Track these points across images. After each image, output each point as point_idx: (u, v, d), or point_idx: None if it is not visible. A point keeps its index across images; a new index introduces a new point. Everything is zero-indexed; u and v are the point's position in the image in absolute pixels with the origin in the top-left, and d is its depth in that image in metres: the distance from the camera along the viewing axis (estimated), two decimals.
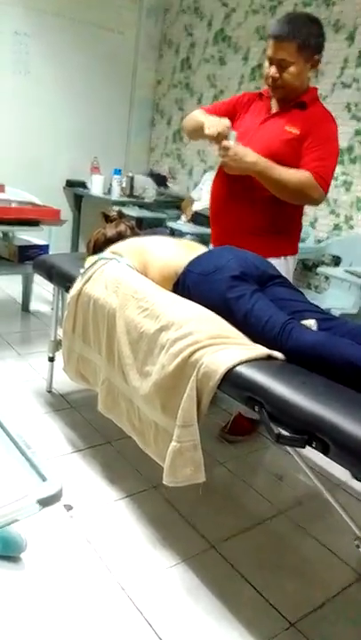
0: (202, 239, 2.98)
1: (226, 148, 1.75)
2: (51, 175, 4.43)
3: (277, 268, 1.78)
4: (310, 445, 1.12)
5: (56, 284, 2.16)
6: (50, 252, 3.08)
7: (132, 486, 1.77)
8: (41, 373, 2.50)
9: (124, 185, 4.25)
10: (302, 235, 3.37)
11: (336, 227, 3.36)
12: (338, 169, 3.28)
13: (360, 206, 3.20)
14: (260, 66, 3.70)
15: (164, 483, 1.37)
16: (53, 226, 3.17)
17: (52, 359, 2.31)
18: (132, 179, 4.27)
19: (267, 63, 1.83)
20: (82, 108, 4.48)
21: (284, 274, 1.83)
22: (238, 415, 2.16)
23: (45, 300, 3.59)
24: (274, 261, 1.83)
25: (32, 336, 3.04)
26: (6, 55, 4.00)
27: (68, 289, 1.93)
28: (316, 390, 1.21)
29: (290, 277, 1.99)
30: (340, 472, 1.98)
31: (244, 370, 1.27)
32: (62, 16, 4.15)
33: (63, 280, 2.04)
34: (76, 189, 4.50)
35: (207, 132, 1.80)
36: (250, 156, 1.76)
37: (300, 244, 3.24)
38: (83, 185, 4.48)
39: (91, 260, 1.88)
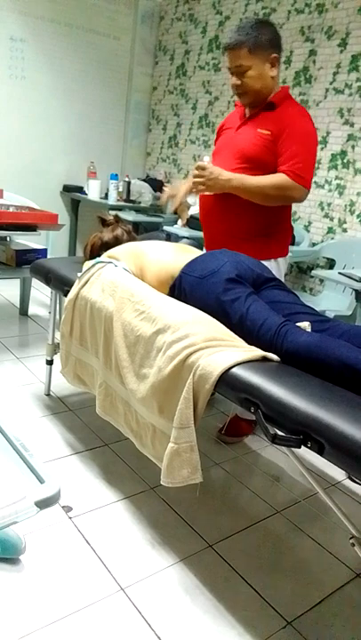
0: (198, 243, 3.01)
1: (203, 168, 1.82)
2: (48, 180, 4.46)
3: (271, 270, 1.82)
4: (306, 446, 1.14)
5: (53, 287, 2.17)
6: (48, 256, 3.10)
7: (130, 488, 1.78)
8: (39, 377, 2.52)
9: (120, 189, 4.27)
10: (297, 238, 3.43)
11: (330, 230, 3.39)
12: (331, 173, 3.32)
13: (353, 210, 3.24)
14: None
15: (161, 484, 1.39)
16: (51, 230, 3.19)
17: (49, 362, 2.33)
18: (128, 183, 4.30)
19: (230, 75, 1.90)
20: (78, 114, 4.51)
21: (277, 276, 1.87)
22: (235, 417, 2.18)
23: (43, 303, 3.61)
24: (268, 264, 1.87)
25: (30, 340, 3.05)
26: (2, 60, 4.03)
27: (65, 293, 1.95)
28: (311, 391, 1.23)
29: (281, 279, 2.03)
30: (336, 472, 2.00)
31: (240, 371, 1.29)
32: (58, 22, 4.19)
33: (60, 284, 2.06)
34: (73, 194, 4.52)
35: (172, 208, 2.15)
36: (224, 174, 1.82)
37: (295, 248, 3.31)
38: (80, 190, 4.50)
39: (88, 264, 1.90)
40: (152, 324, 1.50)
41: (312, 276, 3.48)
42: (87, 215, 4.60)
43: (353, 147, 3.20)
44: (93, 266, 1.85)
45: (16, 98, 4.16)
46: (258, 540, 1.63)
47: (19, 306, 3.40)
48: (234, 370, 1.30)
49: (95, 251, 2.03)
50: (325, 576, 1.52)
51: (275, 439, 1.16)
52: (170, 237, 3.37)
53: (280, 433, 1.18)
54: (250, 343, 1.45)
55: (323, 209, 3.42)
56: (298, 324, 1.48)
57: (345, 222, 3.29)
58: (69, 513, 1.63)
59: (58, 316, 2.30)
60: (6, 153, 4.19)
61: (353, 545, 1.24)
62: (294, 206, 3.57)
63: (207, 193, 1.89)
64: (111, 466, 1.89)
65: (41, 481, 0.89)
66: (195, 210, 3.74)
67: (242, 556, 1.55)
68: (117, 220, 2.15)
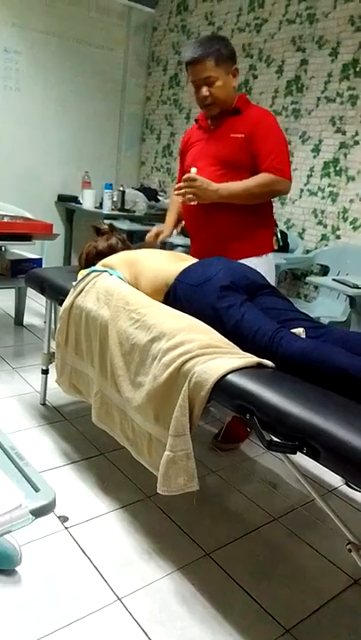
0: None
1: (193, 179, 1.86)
2: (42, 190, 4.47)
3: (261, 266, 1.88)
4: (301, 451, 1.14)
5: (48, 297, 2.17)
6: (43, 266, 3.10)
7: (126, 497, 1.77)
8: (34, 386, 2.51)
9: (115, 199, 4.29)
10: (291, 245, 3.45)
11: (324, 237, 3.41)
12: (324, 181, 3.35)
13: (346, 217, 3.26)
14: (246, 82, 3.78)
15: (158, 492, 1.38)
16: (46, 240, 3.20)
17: (45, 372, 2.32)
18: (122, 193, 4.31)
19: (194, 89, 1.96)
20: (72, 124, 4.53)
21: (268, 272, 1.94)
22: (230, 423, 2.18)
23: (38, 313, 3.61)
24: (257, 260, 1.93)
25: (25, 349, 3.05)
26: None
27: (60, 302, 1.95)
28: (306, 397, 1.23)
29: (273, 274, 2.09)
30: (333, 478, 2.00)
31: (235, 378, 1.30)
32: (52, 34, 4.23)
33: (55, 293, 2.06)
34: (67, 204, 4.54)
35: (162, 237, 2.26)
36: (212, 185, 1.87)
37: (290, 255, 3.33)
38: (74, 199, 4.51)
39: (83, 272, 1.90)
40: (147, 332, 1.51)
41: (306, 283, 3.50)
42: (82, 225, 4.61)
43: (345, 154, 3.24)
44: (88, 275, 1.86)
45: (10, 109, 4.18)
46: (255, 547, 1.62)
47: (14, 316, 3.40)
48: (229, 376, 1.30)
49: (90, 260, 2.04)
50: (323, 583, 1.51)
51: (270, 445, 1.16)
52: (165, 246, 3.38)
53: (276, 439, 1.18)
54: (245, 350, 1.45)
55: (316, 216, 3.44)
56: (293, 330, 1.49)
57: (338, 229, 3.32)
58: (65, 523, 1.62)
59: (53, 326, 2.30)
60: (1, 163, 4.21)
61: (350, 551, 1.24)
62: (288, 214, 3.62)
63: (193, 203, 1.92)
64: (107, 475, 1.88)
65: (36, 489, 0.89)
66: None
67: (239, 563, 1.54)
68: (112, 229, 2.16)
